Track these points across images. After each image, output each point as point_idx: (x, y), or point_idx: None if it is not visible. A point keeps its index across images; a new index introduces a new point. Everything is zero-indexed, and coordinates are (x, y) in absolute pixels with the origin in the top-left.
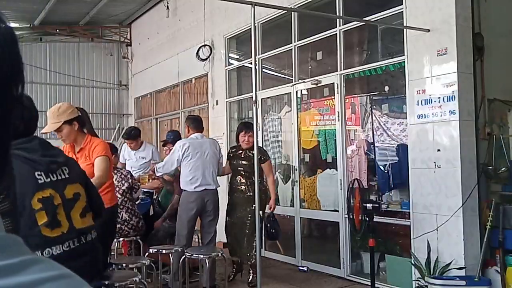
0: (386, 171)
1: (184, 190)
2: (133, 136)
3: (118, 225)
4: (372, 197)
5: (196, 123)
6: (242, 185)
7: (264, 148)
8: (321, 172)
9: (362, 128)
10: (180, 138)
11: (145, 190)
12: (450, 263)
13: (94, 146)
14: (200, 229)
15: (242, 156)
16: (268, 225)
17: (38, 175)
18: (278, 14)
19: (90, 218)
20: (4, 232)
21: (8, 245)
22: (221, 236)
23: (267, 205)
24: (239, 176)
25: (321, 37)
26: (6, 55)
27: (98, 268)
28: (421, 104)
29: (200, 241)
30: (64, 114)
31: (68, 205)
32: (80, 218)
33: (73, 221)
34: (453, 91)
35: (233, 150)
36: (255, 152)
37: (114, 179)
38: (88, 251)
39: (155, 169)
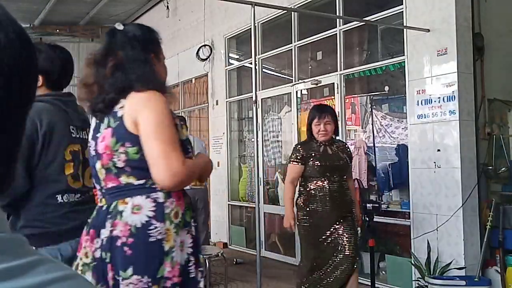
0: (386, 171)
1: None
2: None
3: None
4: (372, 197)
5: None
6: (336, 193)
7: (265, 148)
8: None
9: (362, 128)
10: None
11: None
12: (450, 263)
13: None
14: None
15: (330, 152)
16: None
17: (72, 129)
18: (278, 14)
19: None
20: (10, 233)
21: (14, 247)
22: (221, 236)
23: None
24: (328, 183)
25: (321, 37)
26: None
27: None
28: (421, 104)
29: None
30: None
31: (85, 164)
32: (89, 178)
33: (84, 179)
34: (453, 91)
35: (308, 148)
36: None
37: None
38: (90, 201)
39: None
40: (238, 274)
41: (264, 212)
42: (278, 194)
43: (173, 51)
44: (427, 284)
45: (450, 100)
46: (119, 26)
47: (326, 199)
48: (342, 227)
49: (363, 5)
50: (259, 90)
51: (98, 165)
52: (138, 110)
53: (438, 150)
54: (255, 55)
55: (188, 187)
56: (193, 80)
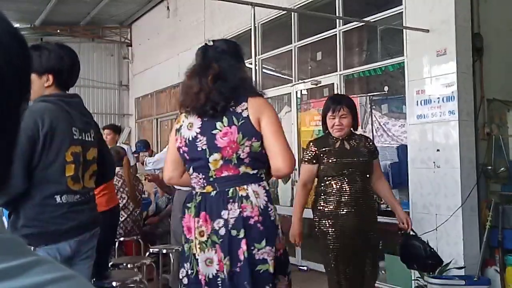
0: (385, 171)
1: (178, 189)
2: None
3: (131, 224)
4: None
5: None
6: (358, 195)
7: None
8: None
9: (362, 128)
10: (149, 146)
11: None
12: (449, 262)
13: None
14: None
15: (348, 147)
16: (423, 248)
17: (75, 130)
18: (278, 15)
19: (93, 180)
20: (8, 234)
21: (12, 247)
22: None
23: (400, 220)
24: (348, 183)
25: (321, 38)
26: (15, 62)
27: (97, 214)
28: (421, 104)
29: None
30: None
31: (85, 166)
32: (89, 179)
33: (84, 181)
34: (452, 91)
35: (322, 144)
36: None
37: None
38: (90, 201)
39: (145, 162)
40: None
41: None
42: (278, 194)
43: (174, 51)
44: (426, 283)
45: (449, 100)
46: (210, 43)
47: (348, 202)
48: (365, 246)
49: (362, 5)
50: (259, 90)
51: (214, 156)
52: (261, 112)
53: (438, 150)
54: (255, 55)
55: None
56: None
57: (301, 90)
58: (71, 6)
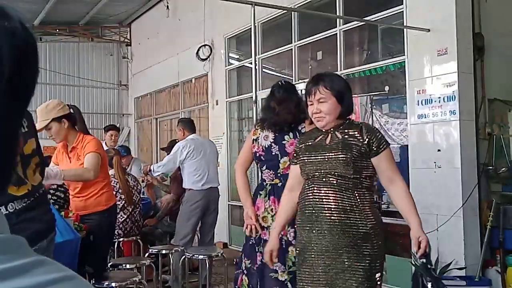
0: None
1: (190, 189)
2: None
3: (130, 225)
4: None
5: (190, 125)
6: (331, 204)
7: None
8: None
9: None
10: (130, 152)
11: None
12: (450, 263)
13: (85, 143)
14: (201, 228)
15: (327, 142)
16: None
17: None
18: (278, 14)
19: (38, 173)
20: (9, 233)
21: (12, 247)
22: (221, 236)
23: (414, 244)
24: (321, 187)
25: (321, 37)
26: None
27: (51, 217)
28: (421, 104)
29: (199, 240)
30: (52, 111)
31: (25, 162)
32: (33, 175)
33: (29, 178)
34: (453, 91)
35: (306, 138)
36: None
37: (130, 179)
38: (41, 204)
39: (152, 169)
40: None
41: None
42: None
43: (173, 51)
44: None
45: (450, 100)
46: (283, 82)
47: (309, 217)
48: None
49: (363, 5)
50: (259, 90)
51: (284, 159)
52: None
53: (439, 150)
54: (255, 55)
55: (207, 186)
56: (193, 80)
57: (301, 90)
58: (70, 6)
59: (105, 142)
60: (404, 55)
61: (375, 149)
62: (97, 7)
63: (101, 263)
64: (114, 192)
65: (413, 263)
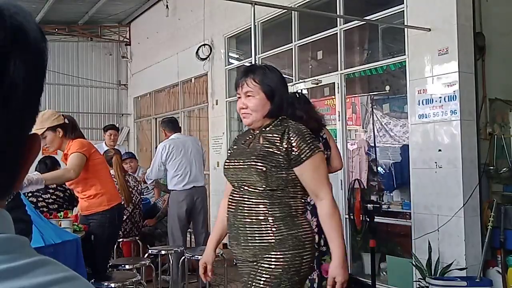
0: (387, 171)
1: (173, 190)
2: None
3: (130, 226)
4: (373, 198)
5: (172, 125)
6: (243, 214)
7: None
8: None
9: (363, 128)
10: (135, 157)
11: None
12: (451, 263)
13: (70, 147)
14: (193, 230)
15: (249, 146)
16: None
17: None
18: (278, 13)
19: None
20: (12, 233)
21: (14, 247)
22: None
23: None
24: (235, 196)
25: (322, 37)
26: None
27: (29, 218)
28: (422, 103)
29: (194, 241)
30: (47, 120)
31: None
32: None
33: None
34: (454, 91)
35: (237, 141)
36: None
37: (131, 180)
38: (20, 205)
39: (146, 177)
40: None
41: None
42: None
43: (173, 50)
44: (428, 285)
45: (451, 100)
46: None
47: (230, 225)
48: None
49: (363, 4)
50: None
51: None
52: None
53: (439, 150)
54: (255, 54)
55: (189, 186)
56: (193, 79)
57: (301, 90)
58: (69, 5)
59: (105, 142)
60: (404, 54)
61: (294, 158)
62: (97, 6)
63: (101, 264)
64: None
65: (414, 263)
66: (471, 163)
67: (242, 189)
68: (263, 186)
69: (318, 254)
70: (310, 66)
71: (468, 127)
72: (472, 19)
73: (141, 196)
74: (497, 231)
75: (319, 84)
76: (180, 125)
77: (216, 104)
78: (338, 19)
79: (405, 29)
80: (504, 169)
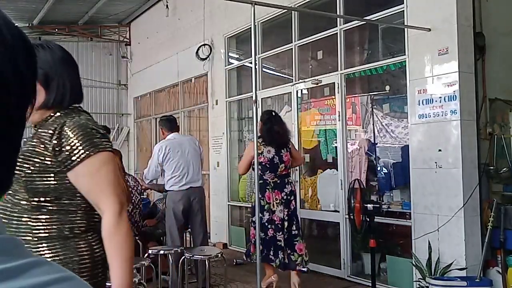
0: (387, 171)
1: (170, 191)
2: None
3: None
4: (373, 198)
5: (169, 124)
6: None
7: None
8: (321, 172)
9: (363, 128)
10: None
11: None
12: (451, 263)
13: None
14: (191, 230)
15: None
16: None
17: None
18: (278, 13)
19: None
20: (5, 234)
21: (9, 248)
22: (221, 237)
23: None
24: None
25: (322, 37)
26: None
27: None
28: (422, 103)
29: (192, 242)
30: None
31: None
32: None
33: None
34: (454, 91)
35: None
36: None
37: (131, 180)
38: None
39: (143, 177)
40: (238, 274)
41: None
42: None
43: (173, 50)
44: (428, 285)
45: (451, 100)
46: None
47: None
48: None
49: (363, 4)
50: (259, 89)
51: (281, 166)
52: (293, 146)
53: (439, 150)
54: (255, 54)
55: (186, 187)
56: (193, 79)
57: (301, 90)
58: (70, 5)
59: None
60: (404, 54)
61: (64, 160)
62: (97, 6)
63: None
64: None
65: (414, 263)
66: (471, 163)
67: (6, 201)
68: (26, 196)
69: (288, 237)
70: (310, 66)
71: (468, 127)
72: (472, 19)
73: (141, 196)
74: (497, 231)
75: (319, 84)
76: (178, 124)
77: (216, 104)
78: (338, 19)
79: (405, 29)
80: (504, 169)
